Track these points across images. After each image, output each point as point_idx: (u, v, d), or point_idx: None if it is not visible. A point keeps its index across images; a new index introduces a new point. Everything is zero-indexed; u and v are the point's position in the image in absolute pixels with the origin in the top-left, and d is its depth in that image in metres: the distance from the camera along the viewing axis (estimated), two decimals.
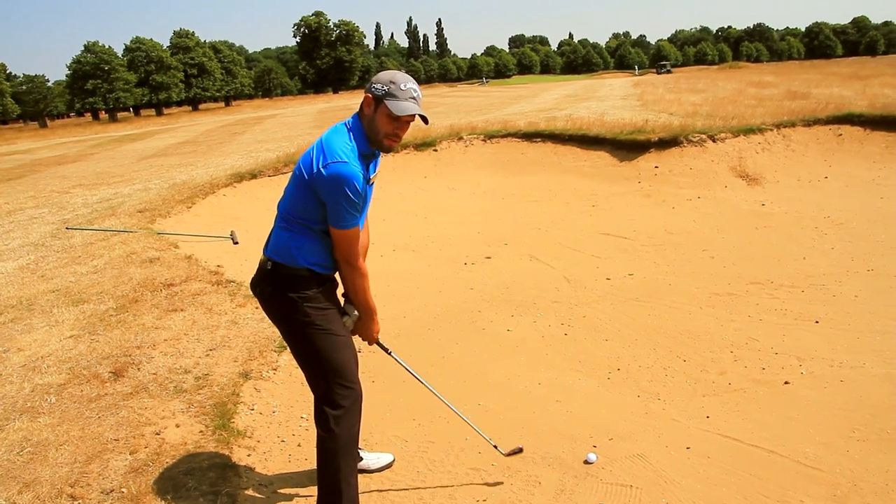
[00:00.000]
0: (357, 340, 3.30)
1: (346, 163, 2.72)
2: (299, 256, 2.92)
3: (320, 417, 2.98)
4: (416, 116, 2.86)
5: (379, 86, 2.80)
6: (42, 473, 3.51)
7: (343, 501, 2.99)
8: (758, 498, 3.25)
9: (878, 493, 3.22)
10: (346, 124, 2.88)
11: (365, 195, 2.93)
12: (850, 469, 3.42)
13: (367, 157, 2.90)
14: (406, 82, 2.80)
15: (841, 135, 12.03)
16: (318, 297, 2.97)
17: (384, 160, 13.11)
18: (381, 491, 3.51)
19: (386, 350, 3.41)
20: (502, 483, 3.51)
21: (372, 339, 3.28)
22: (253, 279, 3.11)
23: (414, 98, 2.80)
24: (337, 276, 3.11)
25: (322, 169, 2.72)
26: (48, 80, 74.07)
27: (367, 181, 2.92)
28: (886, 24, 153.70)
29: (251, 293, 3.31)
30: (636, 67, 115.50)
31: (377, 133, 2.82)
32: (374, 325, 3.22)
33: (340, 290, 3.18)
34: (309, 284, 2.95)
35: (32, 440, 3.85)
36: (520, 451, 3.70)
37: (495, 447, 3.66)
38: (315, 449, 3.06)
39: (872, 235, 7.50)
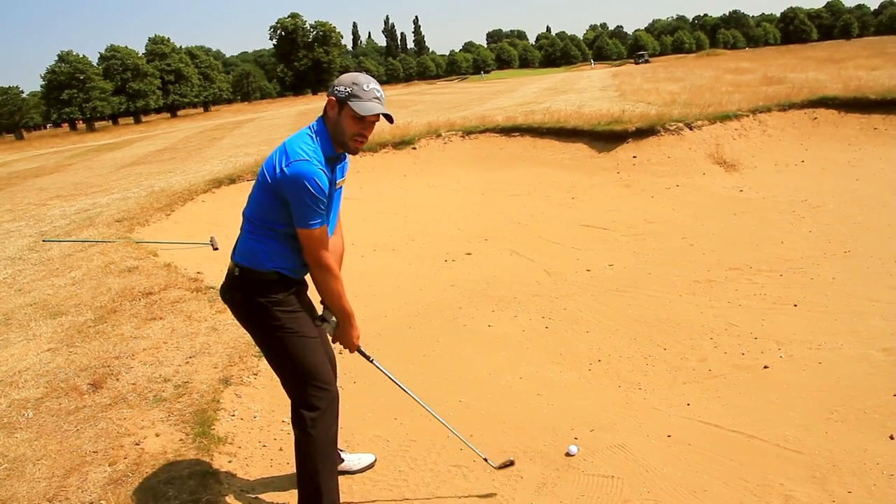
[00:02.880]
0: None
1: (308, 161, 2.71)
2: (267, 260, 2.90)
3: (297, 420, 2.97)
4: (381, 116, 2.86)
5: (342, 88, 2.81)
6: (19, 489, 3.47)
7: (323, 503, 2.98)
8: (739, 483, 3.27)
9: (856, 472, 3.25)
10: (310, 128, 2.87)
11: (331, 197, 2.92)
12: (829, 450, 3.45)
13: (332, 159, 2.88)
14: (368, 83, 2.81)
15: (816, 118, 12.11)
16: (288, 301, 2.96)
17: (361, 161, 12.97)
18: (364, 493, 3.50)
19: (367, 358, 3.32)
20: (484, 479, 3.51)
21: (352, 346, 3.17)
22: (222, 286, 3.10)
23: (377, 98, 2.80)
24: (308, 280, 3.10)
25: (284, 169, 2.72)
26: (22, 92, 73.09)
27: (333, 184, 2.91)
28: (860, 6, 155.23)
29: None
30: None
31: (343, 135, 2.82)
32: (353, 331, 3.12)
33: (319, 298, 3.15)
34: (277, 288, 2.93)
35: (9, 456, 3.80)
36: (511, 463, 3.56)
37: (485, 460, 3.54)
38: None
39: (849, 217, 7.56)
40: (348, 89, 2.79)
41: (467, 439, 3.63)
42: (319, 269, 2.89)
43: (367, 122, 2.82)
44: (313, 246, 2.83)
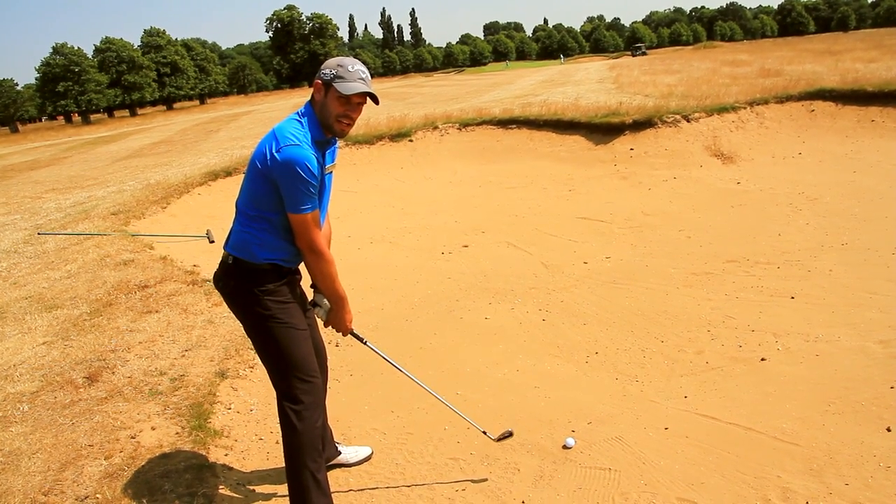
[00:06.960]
0: (332, 333, 3.26)
1: (299, 145, 2.72)
2: (259, 253, 2.89)
3: (283, 415, 2.96)
4: (368, 99, 2.88)
5: (327, 71, 2.82)
6: (14, 483, 3.45)
7: (312, 497, 2.97)
8: (736, 475, 3.27)
9: (853, 464, 3.24)
10: (297, 114, 2.88)
11: (322, 181, 2.90)
12: (826, 442, 3.45)
13: (322, 143, 2.88)
14: (353, 65, 2.82)
15: (813, 110, 12.09)
16: (279, 291, 2.95)
17: (357, 153, 12.91)
18: (360, 486, 3.49)
19: (361, 339, 3.30)
20: (481, 472, 3.50)
21: (346, 330, 3.15)
22: (216, 273, 3.09)
23: (362, 79, 2.81)
24: (301, 267, 3.10)
25: (276, 154, 2.72)
26: (17, 84, 72.57)
27: (324, 168, 2.91)
28: None
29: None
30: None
31: (329, 116, 2.83)
32: (346, 314, 3.10)
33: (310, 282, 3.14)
34: (270, 278, 2.93)
35: (4, 450, 3.79)
36: (510, 434, 3.58)
37: (484, 433, 3.57)
38: None
39: (846, 210, 7.56)
40: (333, 71, 2.81)
41: (464, 431, 3.63)
42: (312, 254, 2.89)
43: (353, 103, 2.83)
44: (305, 231, 2.82)
